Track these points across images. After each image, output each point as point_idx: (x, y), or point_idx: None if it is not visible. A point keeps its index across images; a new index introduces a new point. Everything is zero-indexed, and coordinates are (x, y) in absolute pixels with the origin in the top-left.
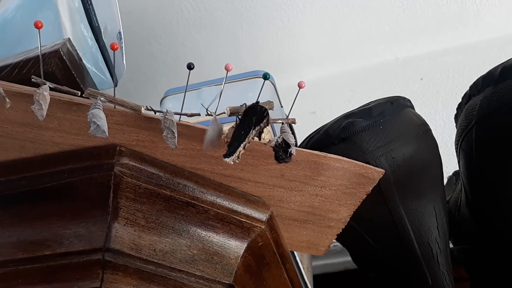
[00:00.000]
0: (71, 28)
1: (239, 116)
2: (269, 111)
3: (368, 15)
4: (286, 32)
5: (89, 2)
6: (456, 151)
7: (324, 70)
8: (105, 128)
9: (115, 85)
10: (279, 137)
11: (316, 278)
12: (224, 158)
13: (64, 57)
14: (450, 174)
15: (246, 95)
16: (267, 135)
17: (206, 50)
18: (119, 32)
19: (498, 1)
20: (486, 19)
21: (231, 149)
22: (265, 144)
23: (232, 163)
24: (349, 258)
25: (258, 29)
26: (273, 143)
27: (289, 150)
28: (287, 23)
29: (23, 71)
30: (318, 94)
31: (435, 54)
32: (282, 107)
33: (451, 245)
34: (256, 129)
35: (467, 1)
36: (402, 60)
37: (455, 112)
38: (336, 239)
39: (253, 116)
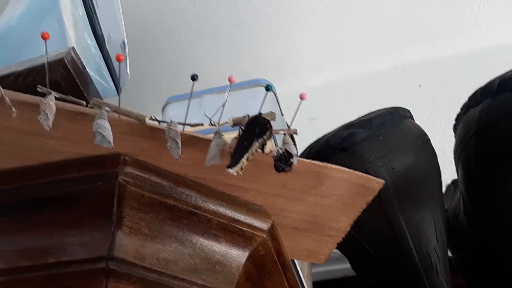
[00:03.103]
0: (75, 37)
1: (242, 127)
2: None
3: (367, 23)
4: (286, 39)
5: (93, 11)
6: (455, 161)
7: (324, 77)
8: (111, 138)
9: (119, 94)
10: (280, 148)
11: (316, 285)
12: (228, 169)
13: (68, 65)
14: (449, 182)
15: (247, 103)
16: (268, 144)
17: (207, 57)
18: (123, 42)
19: (496, 10)
20: (484, 28)
21: (234, 160)
22: (267, 154)
23: (235, 174)
24: (348, 265)
25: (259, 36)
26: (274, 153)
27: (291, 160)
28: (287, 30)
29: (28, 79)
30: (318, 100)
31: (433, 61)
32: (282, 115)
33: (449, 254)
34: (259, 141)
35: (466, 9)
36: (401, 67)
37: (454, 122)
38: (336, 247)
39: (255, 128)
